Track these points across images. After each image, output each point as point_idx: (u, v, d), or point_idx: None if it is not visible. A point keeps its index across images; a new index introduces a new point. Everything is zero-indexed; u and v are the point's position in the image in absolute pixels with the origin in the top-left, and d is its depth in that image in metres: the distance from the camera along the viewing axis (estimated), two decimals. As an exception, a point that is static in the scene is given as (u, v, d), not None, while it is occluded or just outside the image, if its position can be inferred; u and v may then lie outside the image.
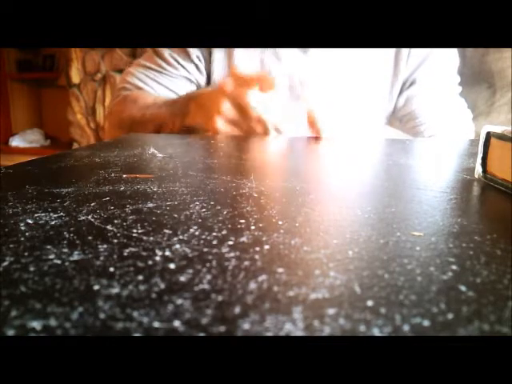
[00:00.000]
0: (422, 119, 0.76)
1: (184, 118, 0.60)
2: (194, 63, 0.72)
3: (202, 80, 0.74)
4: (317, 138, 0.54)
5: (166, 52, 0.72)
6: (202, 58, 0.72)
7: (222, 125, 0.54)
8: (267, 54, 0.72)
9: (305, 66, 0.72)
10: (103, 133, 0.74)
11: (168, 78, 0.72)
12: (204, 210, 0.20)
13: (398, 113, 0.79)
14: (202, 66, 0.73)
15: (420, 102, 0.76)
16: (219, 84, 0.55)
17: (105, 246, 0.15)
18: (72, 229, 0.17)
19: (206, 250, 0.15)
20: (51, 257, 0.14)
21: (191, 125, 0.60)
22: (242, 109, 0.53)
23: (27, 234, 0.16)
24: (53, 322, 0.10)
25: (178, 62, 0.72)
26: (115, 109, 0.72)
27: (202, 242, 0.16)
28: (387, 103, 0.78)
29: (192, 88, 0.73)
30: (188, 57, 0.72)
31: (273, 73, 0.68)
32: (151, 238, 0.16)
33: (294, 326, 0.10)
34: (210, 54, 0.73)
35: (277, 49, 0.72)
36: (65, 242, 0.15)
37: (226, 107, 0.53)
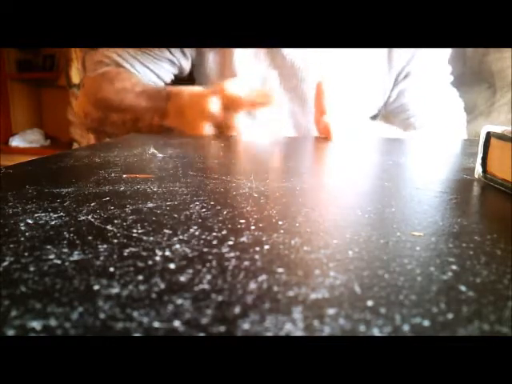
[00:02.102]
0: (413, 111, 0.77)
1: (162, 117, 0.58)
2: (180, 49, 0.69)
3: (187, 64, 0.70)
4: (323, 139, 0.54)
5: None
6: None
7: (208, 129, 0.53)
8: (263, 54, 0.70)
9: (303, 60, 0.72)
10: (76, 104, 0.66)
11: (150, 58, 0.67)
12: (204, 209, 0.20)
13: (391, 105, 0.79)
14: (188, 54, 0.69)
15: (412, 95, 0.77)
16: (203, 94, 0.53)
17: (105, 246, 0.15)
18: (72, 229, 0.17)
19: (205, 250, 0.15)
20: (51, 257, 0.14)
21: (170, 126, 0.57)
22: (228, 106, 0.50)
23: (27, 234, 0.16)
24: (53, 322, 0.10)
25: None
26: (91, 85, 0.67)
27: (201, 242, 0.16)
28: (381, 96, 0.78)
29: (174, 71, 0.70)
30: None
31: (271, 86, 0.66)
32: (151, 238, 0.16)
33: (293, 326, 0.10)
34: (199, 53, 0.71)
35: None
36: (65, 242, 0.15)
37: (213, 110, 0.51)
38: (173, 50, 0.68)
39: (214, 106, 0.51)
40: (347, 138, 0.55)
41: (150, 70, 0.68)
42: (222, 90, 0.51)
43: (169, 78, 0.70)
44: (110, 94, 0.63)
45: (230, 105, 0.51)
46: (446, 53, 0.80)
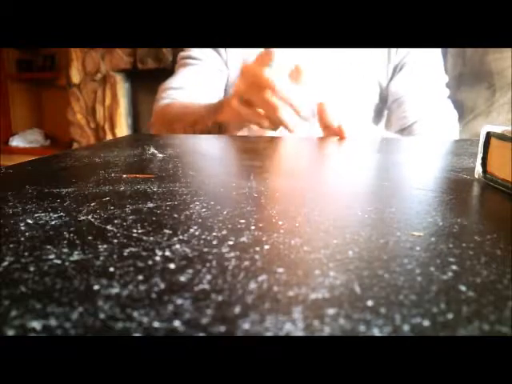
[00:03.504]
0: (410, 106, 0.77)
1: (216, 113, 0.61)
2: (220, 54, 0.77)
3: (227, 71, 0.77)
4: (325, 138, 0.54)
5: (195, 50, 0.77)
6: (227, 51, 0.77)
7: (236, 105, 0.53)
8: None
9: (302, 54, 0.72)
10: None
11: (199, 69, 0.76)
12: (204, 209, 0.20)
13: (388, 101, 0.80)
14: (225, 56, 0.77)
15: (407, 89, 0.78)
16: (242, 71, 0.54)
17: (105, 246, 0.15)
18: (72, 229, 0.17)
19: (206, 250, 0.15)
20: (51, 257, 0.14)
21: (222, 121, 0.60)
22: (257, 86, 0.51)
23: (27, 234, 0.16)
24: (53, 322, 0.10)
25: (206, 56, 0.77)
26: (159, 117, 0.76)
27: (201, 242, 0.16)
28: (377, 91, 0.79)
29: (224, 79, 0.77)
30: (215, 50, 0.77)
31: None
32: (151, 238, 0.16)
33: (293, 326, 0.10)
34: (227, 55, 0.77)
35: None
36: (65, 242, 0.15)
37: (241, 86, 0.52)
38: (215, 59, 0.76)
39: (242, 83, 0.52)
40: (356, 136, 0.55)
41: (201, 84, 0.75)
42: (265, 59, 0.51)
43: (219, 84, 0.77)
44: (176, 111, 0.70)
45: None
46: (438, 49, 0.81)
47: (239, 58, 0.76)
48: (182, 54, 0.81)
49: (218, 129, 0.63)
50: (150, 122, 0.80)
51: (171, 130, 0.70)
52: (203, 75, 0.76)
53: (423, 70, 0.78)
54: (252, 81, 0.51)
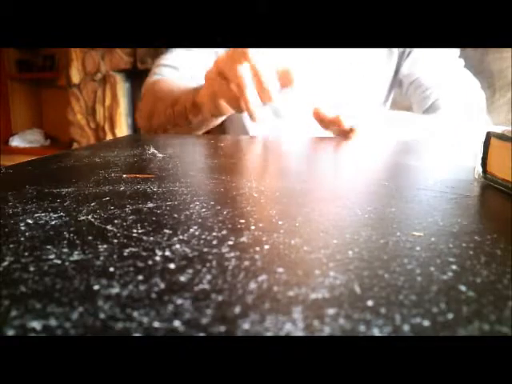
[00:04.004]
0: (428, 84, 0.75)
1: (195, 93, 0.59)
2: None
3: None
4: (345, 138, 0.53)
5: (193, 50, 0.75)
6: None
7: (212, 76, 0.52)
8: (273, 51, 0.72)
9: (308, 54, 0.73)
10: (139, 117, 0.75)
11: (198, 55, 0.74)
12: (204, 209, 0.20)
13: (404, 85, 0.79)
14: None
15: (422, 69, 0.76)
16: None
17: (105, 245, 0.15)
18: (72, 229, 0.17)
19: (206, 250, 0.15)
20: (51, 257, 0.14)
21: (198, 101, 0.58)
22: (235, 59, 0.49)
23: (27, 234, 0.16)
24: (53, 322, 0.10)
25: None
26: (148, 92, 0.73)
27: (201, 241, 0.16)
28: (383, 83, 0.79)
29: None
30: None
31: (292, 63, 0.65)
32: (151, 238, 0.16)
33: (293, 326, 0.10)
34: None
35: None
36: (65, 242, 0.15)
37: (222, 58, 0.51)
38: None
39: (244, 70, 0.49)
40: (367, 132, 0.54)
41: (198, 63, 0.72)
42: (247, 55, 0.49)
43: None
44: (163, 94, 0.67)
45: (254, 74, 0.49)
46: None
47: None
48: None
49: (193, 112, 0.60)
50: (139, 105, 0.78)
51: (154, 110, 0.67)
52: (199, 57, 0.74)
53: (436, 51, 0.76)
54: (233, 53, 0.49)
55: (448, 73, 0.76)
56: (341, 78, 0.76)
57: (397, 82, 0.80)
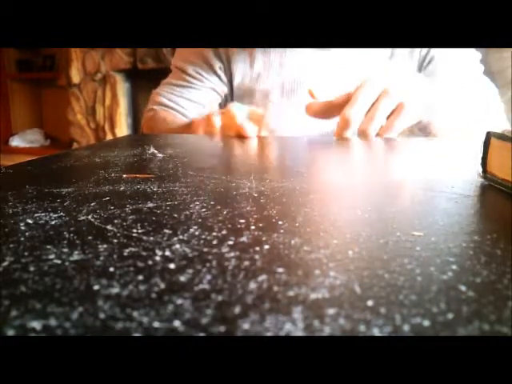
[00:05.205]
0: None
1: (186, 130, 0.66)
2: (217, 74, 0.77)
3: (225, 89, 0.78)
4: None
5: (190, 68, 0.78)
6: (223, 68, 0.77)
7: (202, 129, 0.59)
8: (287, 56, 0.74)
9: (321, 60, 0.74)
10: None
11: (194, 91, 0.77)
12: (204, 209, 0.20)
13: None
14: (223, 77, 0.78)
15: (443, 75, 0.74)
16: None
17: (105, 245, 0.15)
18: (72, 229, 0.17)
19: (205, 250, 0.15)
20: (51, 257, 0.14)
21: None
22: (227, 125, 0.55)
23: (27, 234, 0.16)
24: (53, 322, 0.10)
25: (202, 75, 0.77)
26: (145, 125, 0.80)
27: (201, 242, 0.16)
28: None
29: (217, 98, 0.79)
30: (211, 69, 0.77)
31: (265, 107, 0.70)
32: (151, 238, 0.16)
33: (293, 326, 0.10)
34: (229, 64, 0.77)
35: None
36: (65, 242, 0.15)
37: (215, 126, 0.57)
38: (212, 79, 0.77)
39: (216, 123, 0.57)
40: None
41: (195, 103, 0.78)
42: (225, 112, 0.56)
43: (210, 103, 0.79)
44: (159, 131, 0.75)
45: (227, 125, 0.55)
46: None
47: (243, 72, 0.77)
48: (178, 63, 0.81)
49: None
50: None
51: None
52: (196, 97, 0.78)
53: (453, 55, 0.75)
54: (226, 122, 0.56)
55: (466, 77, 0.75)
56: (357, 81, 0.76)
57: None
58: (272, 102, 0.75)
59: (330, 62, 0.75)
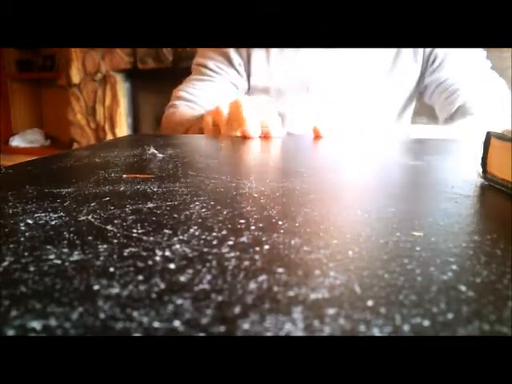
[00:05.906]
0: (454, 87, 0.75)
1: (200, 123, 0.67)
2: (235, 69, 0.81)
3: (244, 83, 0.82)
4: (318, 138, 0.54)
5: (210, 62, 0.81)
6: (242, 64, 0.81)
7: (207, 122, 0.60)
8: (301, 56, 0.77)
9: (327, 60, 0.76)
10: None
11: (214, 84, 0.81)
12: (204, 209, 0.20)
13: (429, 91, 0.79)
14: (242, 71, 0.81)
15: (449, 71, 0.76)
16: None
17: (105, 245, 0.15)
18: (72, 229, 0.17)
19: (206, 250, 0.15)
20: (51, 257, 0.14)
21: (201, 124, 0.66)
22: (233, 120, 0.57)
23: (27, 234, 0.16)
24: (53, 322, 0.10)
25: (222, 69, 0.81)
26: (165, 122, 0.83)
27: (201, 242, 0.16)
28: (407, 86, 0.79)
29: (235, 91, 0.82)
30: (231, 64, 0.80)
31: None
32: (151, 238, 0.16)
33: (293, 326, 0.10)
34: (248, 61, 0.80)
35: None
36: (65, 242, 0.15)
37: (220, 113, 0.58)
38: (231, 73, 0.81)
39: (223, 111, 0.58)
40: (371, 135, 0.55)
41: (215, 96, 0.79)
42: (233, 102, 0.58)
43: (229, 97, 0.82)
44: (177, 124, 0.77)
45: (233, 114, 0.57)
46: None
47: (261, 69, 0.79)
48: (199, 60, 0.84)
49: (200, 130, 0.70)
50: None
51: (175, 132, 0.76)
52: (217, 90, 0.80)
53: (459, 53, 0.76)
54: (230, 114, 0.57)
55: (475, 75, 0.76)
56: (364, 81, 0.77)
57: (421, 87, 0.80)
58: (286, 99, 0.78)
59: (337, 61, 0.77)
